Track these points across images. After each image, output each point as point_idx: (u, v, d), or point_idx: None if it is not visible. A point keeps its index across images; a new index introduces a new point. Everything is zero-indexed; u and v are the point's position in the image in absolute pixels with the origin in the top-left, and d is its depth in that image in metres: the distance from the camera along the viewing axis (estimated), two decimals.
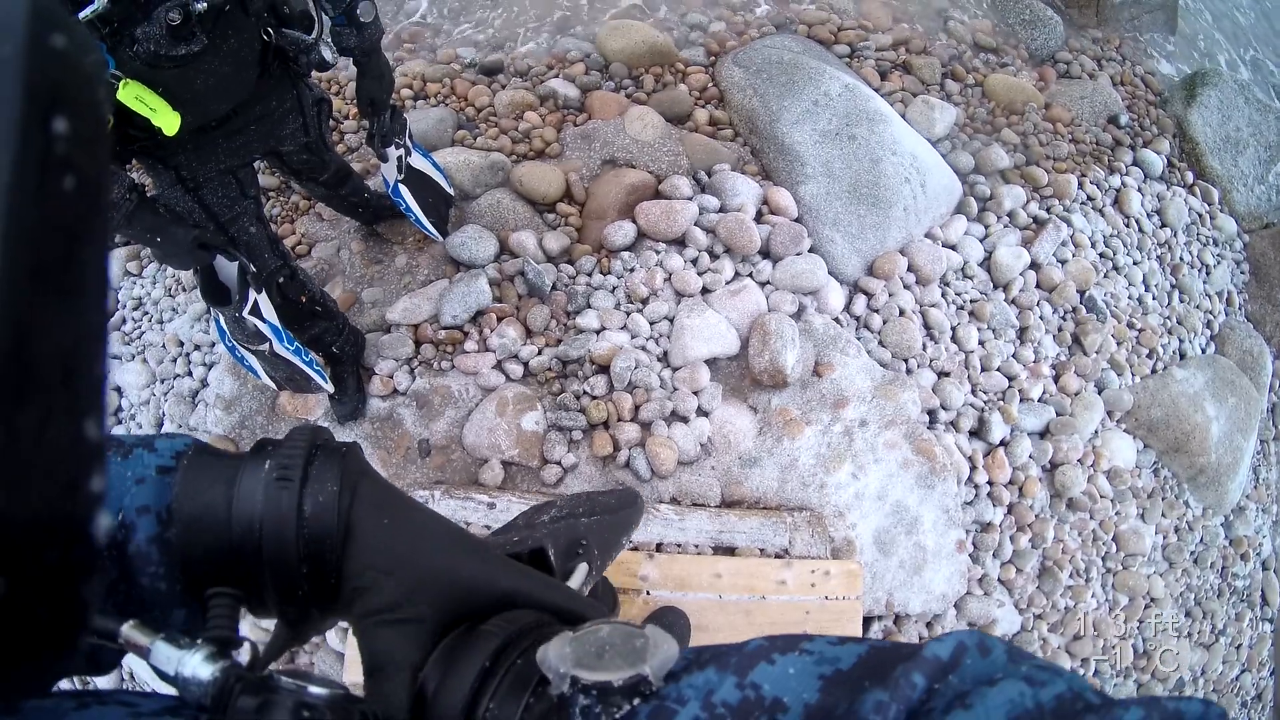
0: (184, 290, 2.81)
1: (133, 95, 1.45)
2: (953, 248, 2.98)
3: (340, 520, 0.52)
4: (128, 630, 0.46)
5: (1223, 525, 3.25)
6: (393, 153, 2.23)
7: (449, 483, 2.39)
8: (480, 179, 2.78)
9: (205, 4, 1.43)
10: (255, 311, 1.91)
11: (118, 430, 2.69)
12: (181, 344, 2.72)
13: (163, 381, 2.70)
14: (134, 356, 2.75)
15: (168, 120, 1.50)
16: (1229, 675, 3.25)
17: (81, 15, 1.31)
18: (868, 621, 2.45)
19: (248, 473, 0.51)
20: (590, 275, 2.64)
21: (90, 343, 0.30)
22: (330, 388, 2.28)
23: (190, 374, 2.67)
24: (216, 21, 1.49)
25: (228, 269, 1.83)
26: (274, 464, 0.51)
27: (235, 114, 1.76)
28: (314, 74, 1.91)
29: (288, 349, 2.08)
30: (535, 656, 0.49)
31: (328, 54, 1.81)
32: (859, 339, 2.67)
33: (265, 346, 2.00)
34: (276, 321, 2.02)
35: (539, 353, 2.50)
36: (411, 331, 2.54)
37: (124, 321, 2.83)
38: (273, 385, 2.24)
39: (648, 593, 2.15)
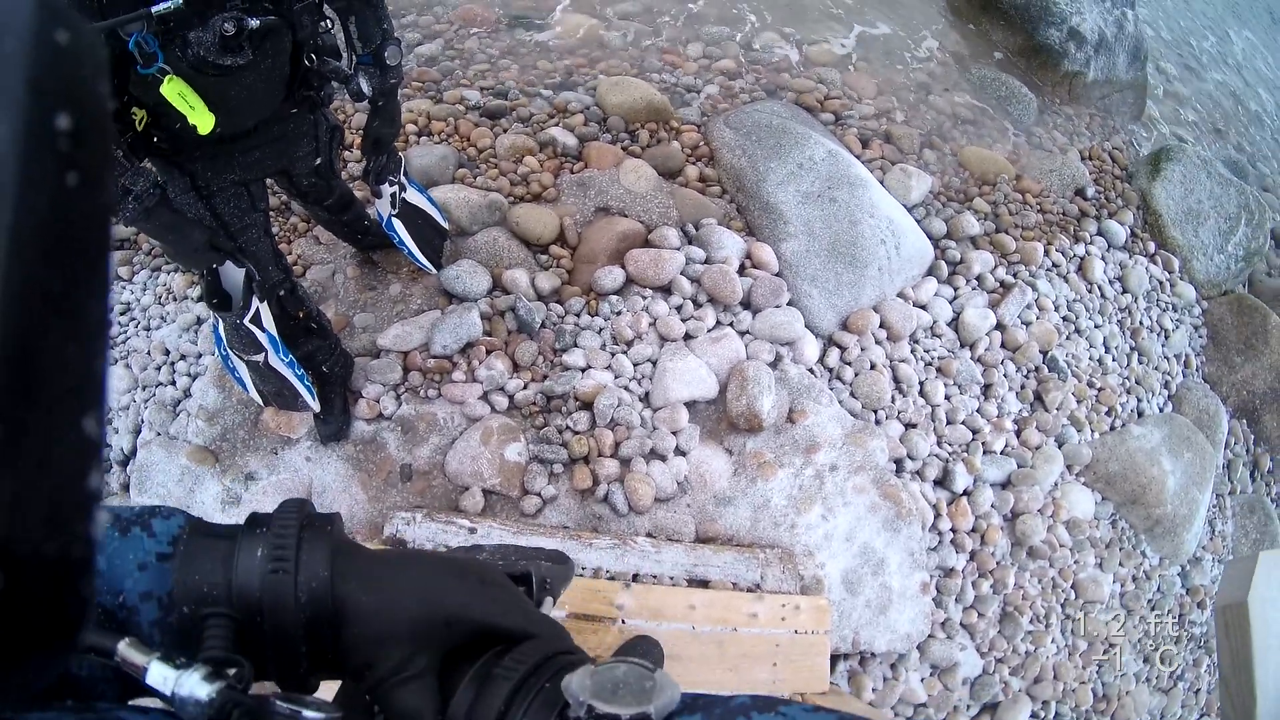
0: (174, 299, 2.77)
1: (176, 91, 1.48)
2: (923, 307, 3.07)
3: (334, 603, 0.54)
4: (124, 648, 0.47)
5: (1179, 575, 3.27)
6: (387, 189, 2.27)
7: (429, 507, 2.40)
8: (478, 216, 2.84)
9: (259, 21, 1.48)
10: (256, 320, 1.93)
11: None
12: (167, 352, 2.67)
13: (145, 388, 2.63)
14: (116, 361, 2.70)
15: (204, 119, 1.52)
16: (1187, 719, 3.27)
17: (155, 9, 1.34)
18: (834, 660, 2.47)
19: (244, 554, 0.52)
20: (579, 316, 2.70)
21: (91, 338, 0.29)
22: (317, 406, 2.28)
23: (174, 383, 2.61)
24: (264, 39, 1.55)
25: (234, 276, 1.86)
26: (268, 547, 0.53)
27: (256, 130, 1.81)
28: (336, 102, 1.95)
29: (281, 361, 2.08)
30: (561, 683, 0.52)
31: (365, 86, 1.87)
32: (831, 389, 2.75)
33: (260, 357, 2.01)
34: (275, 333, 2.04)
35: (525, 387, 2.54)
36: (401, 358, 2.55)
37: (110, 325, 2.75)
38: (259, 399, 2.23)
39: (623, 621, 2.17)
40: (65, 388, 0.28)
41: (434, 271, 2.64)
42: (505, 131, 3.21)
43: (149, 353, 2.68)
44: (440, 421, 2.48)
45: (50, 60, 0.26)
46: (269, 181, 2.07)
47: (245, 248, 1.92)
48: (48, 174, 0.26)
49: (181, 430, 2.52)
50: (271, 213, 2.91)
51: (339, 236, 2.67)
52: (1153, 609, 3.17)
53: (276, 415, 2.48)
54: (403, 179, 2.35)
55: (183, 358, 2.66)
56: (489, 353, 2.57)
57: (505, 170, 3.06)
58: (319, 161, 2.04)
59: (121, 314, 2.81)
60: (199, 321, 2.70)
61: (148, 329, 2.75)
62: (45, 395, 0.27)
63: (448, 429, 2.48)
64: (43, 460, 0.27)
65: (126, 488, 2.51)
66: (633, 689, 0.51)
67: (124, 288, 2.86)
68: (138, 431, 2.59)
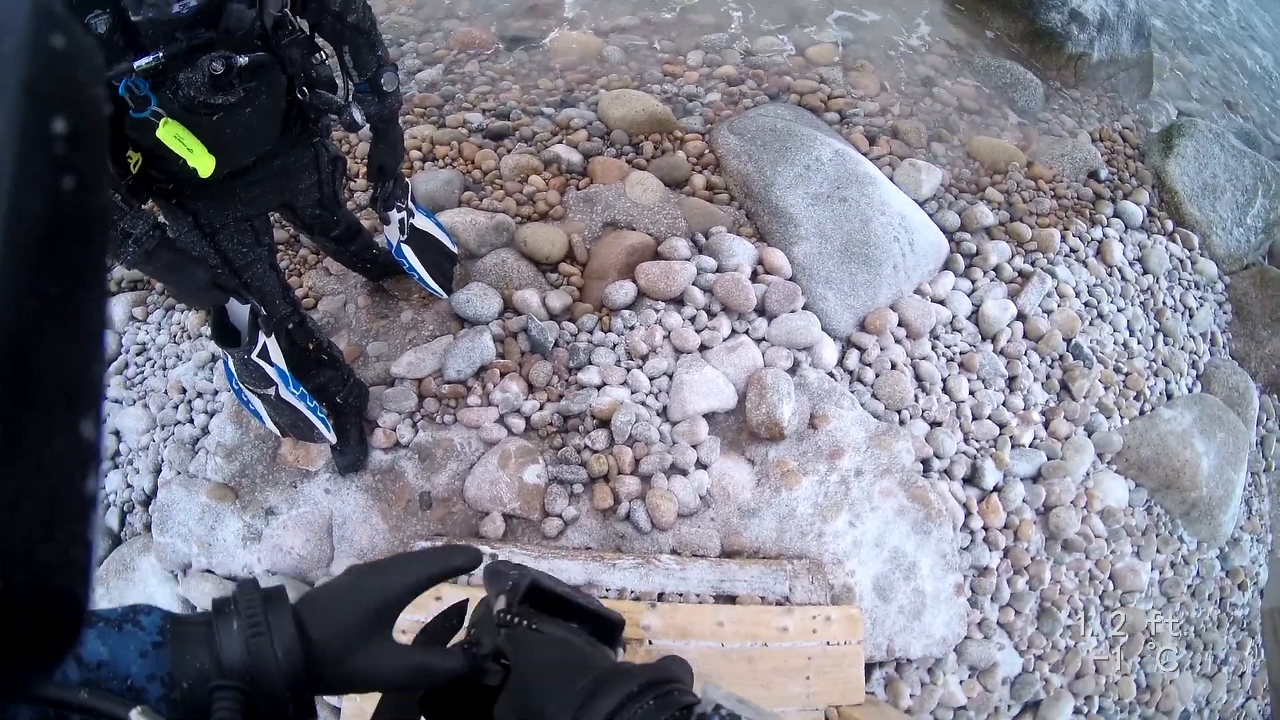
0: (189, 338, 2.77)
1: (172, 134, 1.47)
2: (941, 302, 3.00)
3: (303, 655, 0.60)
4: (136, 716, 0.49)
5: (1218, 557, 3.21)
6: (395, 215, 2.24)
7: (450, 535, 2.37)
8: (485, 239, 2.82)
9: (247, 58, 1.46)
10: (264, 355, 1.91)
11: (111, 474, 2.66)
12: (184, 390, 2.66)
13: (163, 427, 2.63)
14: (135, 401, 2.70)
15: (203, 162, 1.52)
16: (1234, 704, 3.19)
17: (137, 64, 1.35)
18: (870, 667, 2.41)
19: (223, 633, 0.58)
20: (591, 333, 2.66)
21: (88, 343, 0.30)
22: (333, 438, 2.26)
23: (192, 421, 2.60)
24: (254, 75, 1.53)
25: (239, 311, 1.84)
26: (243, 622, 0.58)
27: (256, 165, 1.79)
28: (338, 133, 1.93)
29: (293, 394, 2.06)
30: (695, 687, 0.63)
31: (359, 116, 1.84)
32: (853, 392, 2.69)
33: (272, 390, 2.00)
34: (284, 366, 2.01)
35: (541, 407, 2.51)
36: (415, 385, 2.53)
37: (126, 366, 2.78)
38: (276, 431, 2.22)
39: (650, 642, 2.13)
40: (63, 391, 0.28)
41: (445, 296, 2.61)
42: (509, 152, 3.19)
43: (166, 392, 2.68)
44: (457, 447, 2.45)
45: (46, 64, 0.27)
46: (275, 215, 2.06)
47: (251, 283, 1.90)
48: (43, 177, 0.27)
49: (201, 468, 2.51)
50: (281, 246, 2.96)
51: (348, 266, 2.65)
52: (1193, 595, 3.09)
53: (294, 448, 2.46)
54: (410, 204, 2.33)
55: (199, 395, 2.65)
56: (503, 375, 2.54)
57: (511, 190, 3.04)
58: (322, 193, 2.03)
59: (138, 354, 2.81)
60: (214, 359, 2.69)
61: (164, 368, 2.75)
62: (42, 398, 0.27)
63: (465, 454, 2.45)
64: (40, 463, 0.27)
65: (149, 528, 2.49)
66: (749, 706, 0.58)
67: (139, 328, 2.86)
68: (158, 471, 2.59)
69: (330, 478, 2.45)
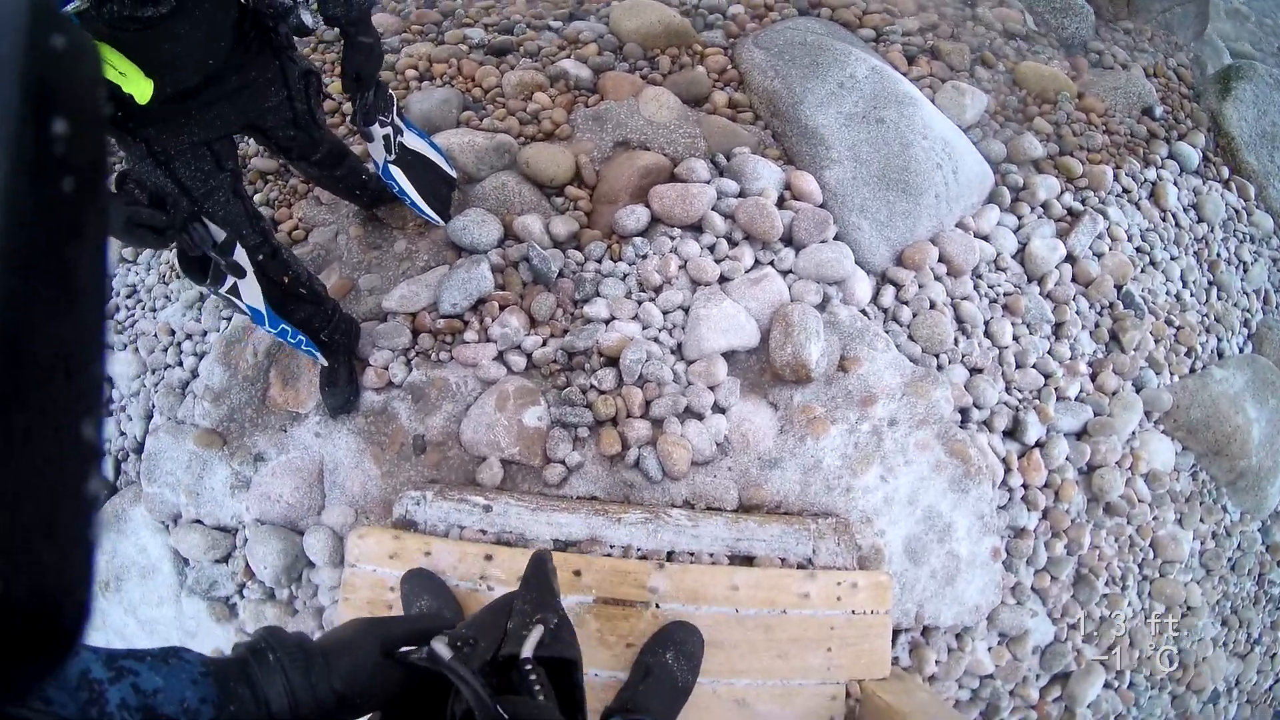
0: (177, 277, 2.60)
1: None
2: (985, 238, 2.69)
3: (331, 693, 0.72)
4: None
5: (1260, 531, 2.98)
6: (378, 131, 2.00)
7: (444, 482, 2.14)
8: (485, 161, 2.53)
9: None
10: (234, 292, 1.71)
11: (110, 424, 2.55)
12: (173, 332, 2.52)
13: (153, 372, 2.50)
14: (126, 346, 2.56)
15: (139, 87, 1.32)
16: (1263, 685, 3.00)
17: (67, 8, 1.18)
18: (895, 633, 2.19)
19: (262, 668, 0.69)
20: (600, 262, 2.38)
21: (89, 344, 0.29)
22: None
23: (181, 364, 2.47)
24: None
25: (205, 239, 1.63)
26: (278, 657, 0.70)
27: (209, 84, 1.57)
28: (299, 44, 1.70)
29: (271, 332, 1.90)
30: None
31: (308, 18, 1.64)
32: (887, 332, 2.39)
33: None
34: (260, 304, 1.81)
35: (543, 344, 2.25)
36: (409, 320, 2.29)
37: (117, 309, 2.64)
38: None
39: (657, 605, 1.89)
40: (62, 391, 0.28)
41: (441, 223, 2.36)
42: (512, 68, 2.88)
43: (155, 334, 2.54)
44: (453, 387, 2.20)
45: (45, 65, 0.27)
46: (258, 144, 1.88)
47: (213, 212, 1.68)
48: (42, 179, 0.26)
49: (189, 414, 2.36)
50: (270, 175, 2.71)
51: (337, 194, 2.41)
52: (1233, 569, 2.86)
53: (283, 391, 2.29)
54: (398, 120, 2.07)
55: (188, 337, 2.51)
56: (502, 308, 2.28)
57: (514, 109, 2.74)
58: (295, 112, 1.78)
59: (128, 297, 2.68)
60: (202, 297, 2.54)
61: (154, 310, 2.61)
62: (42, 398, 0.27)
63: (461, 395, 2.20)
64: (42, 465, 0.27)
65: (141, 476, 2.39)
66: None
67: (129, 269, 2.73)
68: (149, 417, 2.46)
69: (321, 420, 2.26)
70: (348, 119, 2.66)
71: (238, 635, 2.31)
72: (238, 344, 2.39)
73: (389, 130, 2.03)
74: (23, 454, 0.26)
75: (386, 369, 2.23)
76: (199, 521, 2.31)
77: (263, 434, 2.29)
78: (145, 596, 2.37)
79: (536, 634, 0.82)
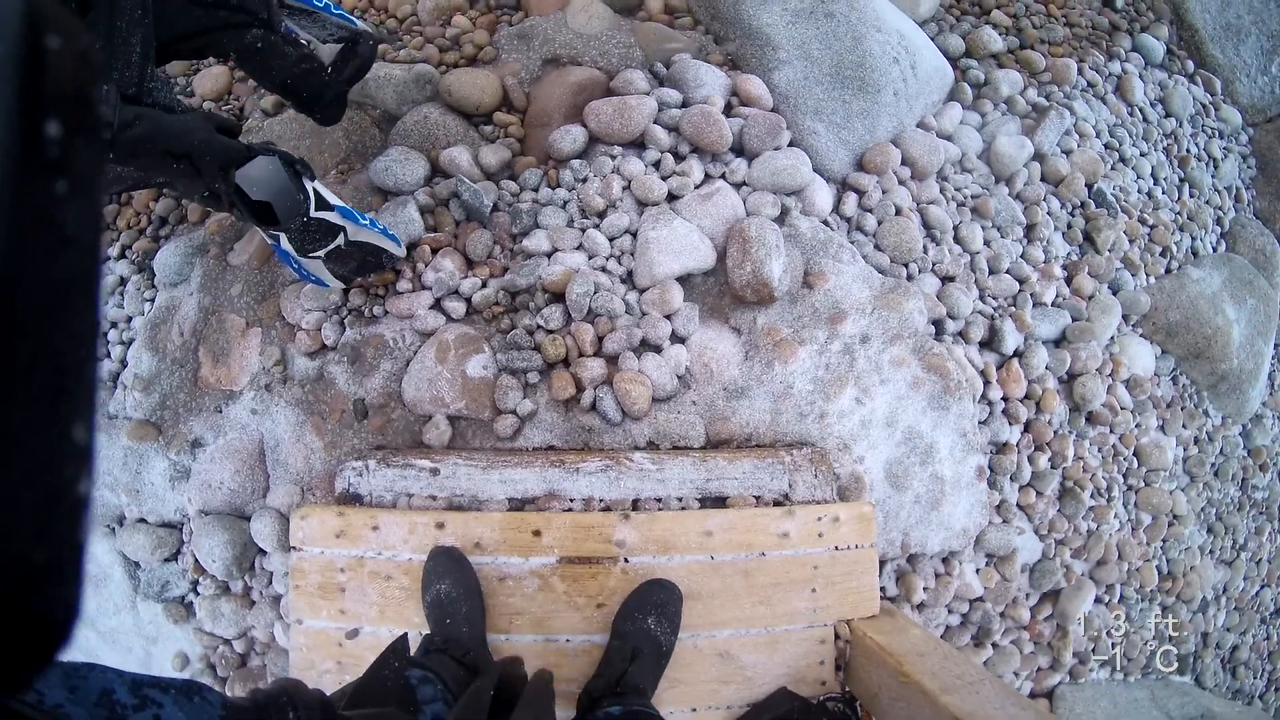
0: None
1: None
2: (948, 138, 2.46)
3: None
4: None
5: (1241, 435, 2.87)
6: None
7: (388, 447, 1.91)
8: (406, 95, 2.25)
9: None
10: (322, 204, 1.62)
11: None
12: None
13: None
14: None
15: None
16: (1250, 591, 2.91)
17: None
18: (881, 563, 2.02)
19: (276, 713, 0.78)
20: (536, 190, 2.12)
21: (82, 346, 0.28)
22: (402, 251, 1.92)
23: (109, 354, 2.21)
24: None
25: (263, 175, 1.48)
26: (298, 715, 0.79)
27: None
28: None
29: (363, 224, 1.75)
30: None
31: None
32: (853, 243, 2.17)
33: (340, 238, 1.70)
34: (343, 201, 1.70)
35: (482, 285, 2.00)
36: None
37: (100, 334, 2.33)
38: (340, 285, 1.90)
39: (625, 559, 1.68)
40: (54, 393, 0.27)
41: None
42: None
43: None
44: (390, 343, 1.96)
45: (40, 66, 0.25)
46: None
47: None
48: (37, 182, 0.25)
49: (121, 407, 2.14)
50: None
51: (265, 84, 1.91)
52: (1216, 475, 2.75)
53: (214, 369, 2.07)
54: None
55: (113, 325, 2.25)
56: (435, 251, 2.03)
57: (431, 36, 2.45)
58: None
59: None
60: (123, 281, 2.28)
61: None
62: (33, 399, 0.26)
63: (399, 350, 1.96)
64: (32, 466, 0.27)
65: None
66: None
67: None
68: None
69: (256, 396, 2.05)
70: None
71: (197, 635, 2.11)
72: (163, 325, 2.15)
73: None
74: (12, 455, 0.25)
75: (319, 331, 1.99)
76: (143, 520, 2.10)
77: (197, 418, 2.07)
78: (101, 607, 2.16)
79: None
